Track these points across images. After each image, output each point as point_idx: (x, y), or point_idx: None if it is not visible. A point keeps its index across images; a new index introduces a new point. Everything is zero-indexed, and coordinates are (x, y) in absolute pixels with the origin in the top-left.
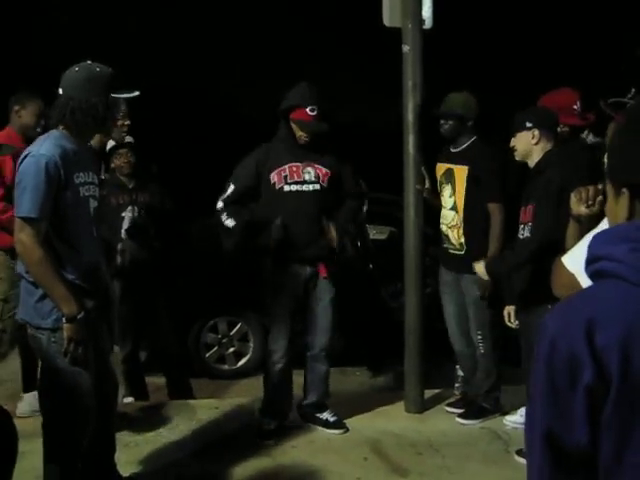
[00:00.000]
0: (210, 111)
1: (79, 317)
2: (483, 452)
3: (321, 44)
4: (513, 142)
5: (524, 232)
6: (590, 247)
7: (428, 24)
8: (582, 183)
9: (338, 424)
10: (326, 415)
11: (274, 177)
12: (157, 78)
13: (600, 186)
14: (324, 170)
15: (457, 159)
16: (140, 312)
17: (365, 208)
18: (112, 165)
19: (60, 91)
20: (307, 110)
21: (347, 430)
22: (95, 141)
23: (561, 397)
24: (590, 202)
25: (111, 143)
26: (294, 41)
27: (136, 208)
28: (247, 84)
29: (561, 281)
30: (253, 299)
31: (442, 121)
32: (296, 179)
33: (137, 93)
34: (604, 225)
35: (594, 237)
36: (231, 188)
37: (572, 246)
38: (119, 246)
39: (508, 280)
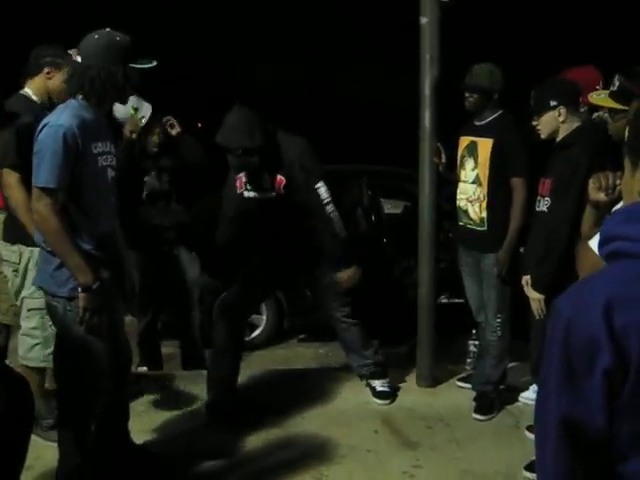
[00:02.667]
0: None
1: (94, 287)
2: (493, 427)
3: (337, 17)
4: (537, 122)
5: (540, 205)
6: (605, 227)
7: None
8: (602, 168)
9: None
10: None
11: (236, 185)
12: (171, 52)
13: (619, 173)
14: (278, 177)
15: (482, 132)
16: (161, 281)
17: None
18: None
19: (78, 58)
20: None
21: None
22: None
23: (578, 382)
24: (610, 190)
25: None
26: (311, 18)
27: (159, 173)
28: (262, 60)
29: (588, 264)
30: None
31: (467, 94)
32: (252, 186)
33: (155, 63)
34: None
35: (609, 217)
36: None
37: (588, 232)
38: (140, 209)
39: (526, 248)
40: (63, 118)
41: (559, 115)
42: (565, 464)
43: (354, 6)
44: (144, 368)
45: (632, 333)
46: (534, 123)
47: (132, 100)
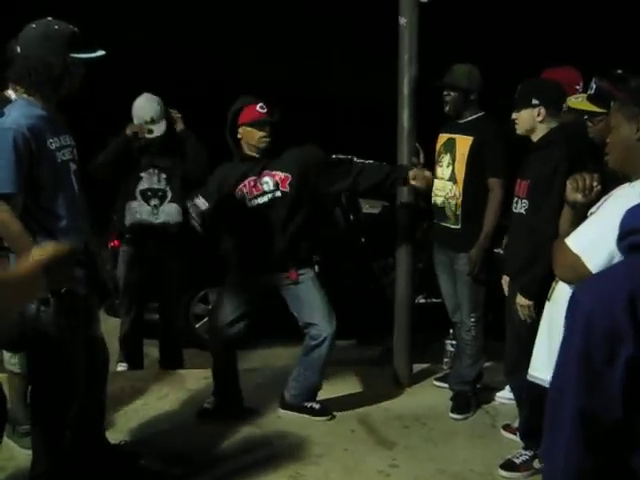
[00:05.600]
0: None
1: (64, 290)
2: (470, 426)
3: (317, 16)
4: (516, 116)
5: (517, 207)
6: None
7: None
8: (582, 168)
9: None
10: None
11: (238, 193)
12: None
13: (597, 175)
14: (282, 175)
15: (462, 130)
16: (148, 279)
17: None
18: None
19: (18, 49)
20: (257, 107)
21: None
22: None
23: (598, 373)
24: (587, 191)
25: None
26: (291, 17)
27: (156, 171)
28: (245, 59)
29: (565, 262)
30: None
31: (445, 93)
32: (255, 193)
33: (101, 53)
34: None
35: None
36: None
37: (565, 231)
38: (130, 204)
39: (505, 250)
40: (10, 120)
41: (538, 115)
42: (577, 459)
43: (336, 6)
44: (124, 365)
45: None
46: (513, 116)
47: (156, 109)
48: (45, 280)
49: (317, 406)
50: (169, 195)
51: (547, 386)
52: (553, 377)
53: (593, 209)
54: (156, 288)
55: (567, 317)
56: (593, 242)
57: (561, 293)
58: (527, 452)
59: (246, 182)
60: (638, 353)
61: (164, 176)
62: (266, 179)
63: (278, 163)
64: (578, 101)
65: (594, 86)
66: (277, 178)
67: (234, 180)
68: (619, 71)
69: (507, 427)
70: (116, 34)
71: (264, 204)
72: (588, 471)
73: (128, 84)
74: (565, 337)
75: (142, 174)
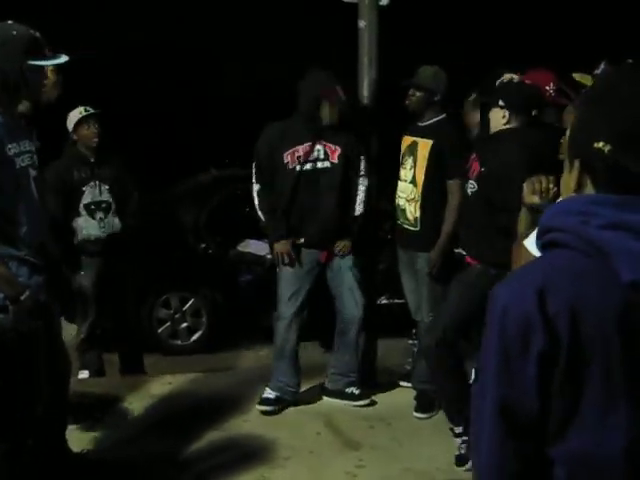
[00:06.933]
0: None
1: (23, 298)
2: (434, 425)
3: (275, 18)
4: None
5: (467, 187)
6: (542, 220)
7: (385, 0)
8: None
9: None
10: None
11: (287, 157)
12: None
13: (552, 177)
14: (333, 147)
15: (423, 132)
16: (102, 288)
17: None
18: (74, 137)
19: None
20: (338, 88)
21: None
22: (25, 107)
23: (513, 364)
24: (544, 194)
25: (74, 115)
26: (290, 17)
27: (98, 183)
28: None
29: (522, 263)
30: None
31: (410, 92)
32: (308, 158)
33: (63, 60)
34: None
35: (546, 211)
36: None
37: (523, 233)
38: (77, 221)
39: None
40: None
41: (503, 117)
42: (500, 454)
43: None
44: (85, 373)
45: (563, 318)
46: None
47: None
48: None
49: (357, 391)
50: (113, 207)
51: None
52: (475, 370)
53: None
54: (111, 295)
55: (487, 311)
56: None
57: None
58: (463, 437)
59: (300, 148)
60: (548, 346)
61: (106, 187)
62: (318, 147)
63: (334, 136)
64: (583, 76)
65: (601, 67)
66: (328, 149)
67: (289, 142)
68: (630, 60)
69: None
70: (116, 34)
71: (313, 170)
72: (511, 465)
73: (127, 84)
74: (485, 332)
75: (84, 188)
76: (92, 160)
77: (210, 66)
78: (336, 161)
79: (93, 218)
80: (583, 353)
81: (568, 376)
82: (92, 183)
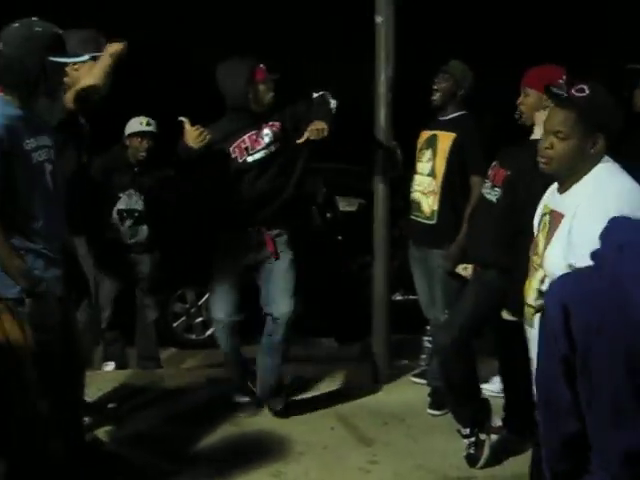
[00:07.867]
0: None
1: (38, 290)
2: (448, 422)
3: (275, 18)
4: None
5: (490, 194)
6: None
7: None
8: None
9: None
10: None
11: (235, 151)
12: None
13: None
14: (277, 124)
15: (444, 126)
16: (123, 284)
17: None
18: (126, 142)
19: (0, 47)
20: (261, 66)
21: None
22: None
23: (548, 365)
24: None
25: (135, 123)
26: (290, 17)
27: (135, 192)
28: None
29: None
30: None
31: (435, 87)
32: (257, 148)
33: (84, 58)
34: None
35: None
36: None
37: None
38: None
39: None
40: None
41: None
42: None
43: (314, 6)
44: (111, 365)
45: (580, 330)
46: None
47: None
48: None
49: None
50: (144, 216)
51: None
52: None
53: None
54: (131, 289)
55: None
56: None
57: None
58: (471, 439)
59: (245, 138)
60: (568, 352)
61: (142, 197)
62: (266, 131)
63: (271, 114)
64: None
65: None
66: (274, 127)
67: (233, 136)
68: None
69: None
70: (116, 34)
71: (265, 157)
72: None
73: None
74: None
75: (120, 194)
76: (135, 170)
77: (210, 66)
78: (280, 135)
79: (122, 224)
80: (593, 374)
81: (582, 387)
82: (130, 191)
